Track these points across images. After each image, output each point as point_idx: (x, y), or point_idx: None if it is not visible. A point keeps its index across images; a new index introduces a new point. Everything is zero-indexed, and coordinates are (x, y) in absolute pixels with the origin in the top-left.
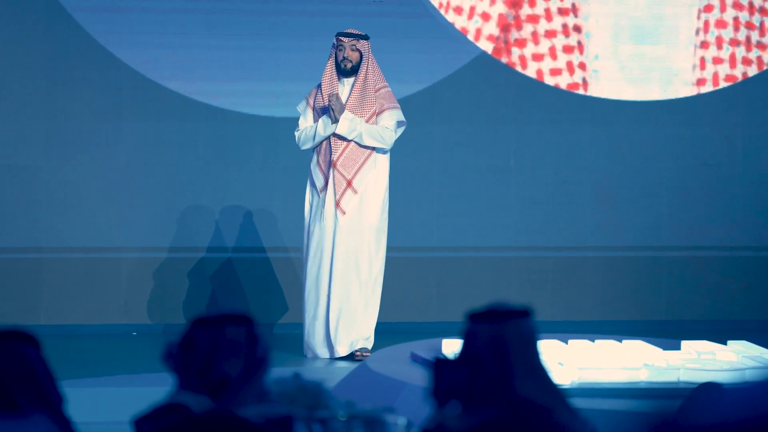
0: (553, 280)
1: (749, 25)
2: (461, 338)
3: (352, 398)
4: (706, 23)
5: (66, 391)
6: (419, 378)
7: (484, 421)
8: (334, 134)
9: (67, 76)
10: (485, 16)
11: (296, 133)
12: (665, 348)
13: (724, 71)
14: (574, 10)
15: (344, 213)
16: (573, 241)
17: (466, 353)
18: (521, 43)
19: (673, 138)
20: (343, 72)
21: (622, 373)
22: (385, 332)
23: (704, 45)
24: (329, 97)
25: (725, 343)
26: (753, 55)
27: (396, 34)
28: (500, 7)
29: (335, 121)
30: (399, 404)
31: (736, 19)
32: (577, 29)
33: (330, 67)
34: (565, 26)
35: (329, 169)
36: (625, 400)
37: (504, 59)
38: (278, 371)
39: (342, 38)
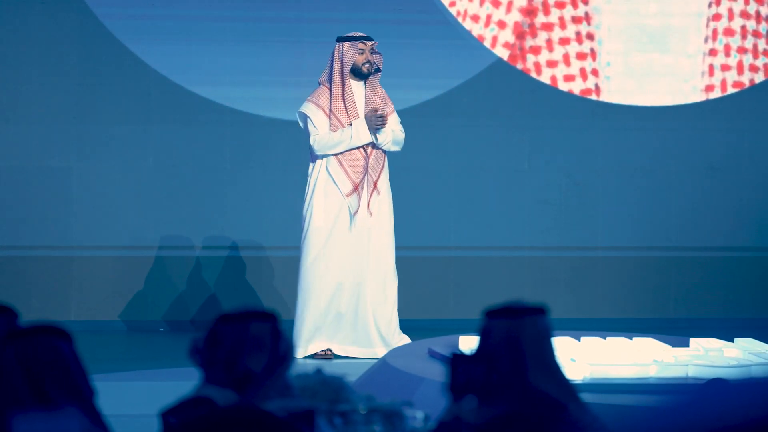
0: (566, 278)
1: (756, 34)
2: (478, 335)
3: (372, 393)
4: (715, 31)
5: (96, 385)
6: (437, 373)
7: (499, 415)
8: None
9: (98, 81)
10: (501, 24)
11: (314, 138)
12: (674, 345)
13: (732, 78)
14: (587, 18)
15: (371, 215)
16: (585, 241)
17: (483, 349)
18: (536, 50)
19: (682, 142)
20: (359, 74)
21: (632, 369)
22: (403, 329)
23: (713, 52)
24: (373, 113)
25: (732, 341)
26: (760, 62)
27: (415, 41)
28: (516, 16)
29: (372, 131)
30: (417, 398)
31: (743, 27)
32: (590, 37)
33: (339, 70)
34: (578, 34)
35: (364, 173)
36: (635, 395)
37: (519, 66)
38: (301, 366)
39: (366, 42)
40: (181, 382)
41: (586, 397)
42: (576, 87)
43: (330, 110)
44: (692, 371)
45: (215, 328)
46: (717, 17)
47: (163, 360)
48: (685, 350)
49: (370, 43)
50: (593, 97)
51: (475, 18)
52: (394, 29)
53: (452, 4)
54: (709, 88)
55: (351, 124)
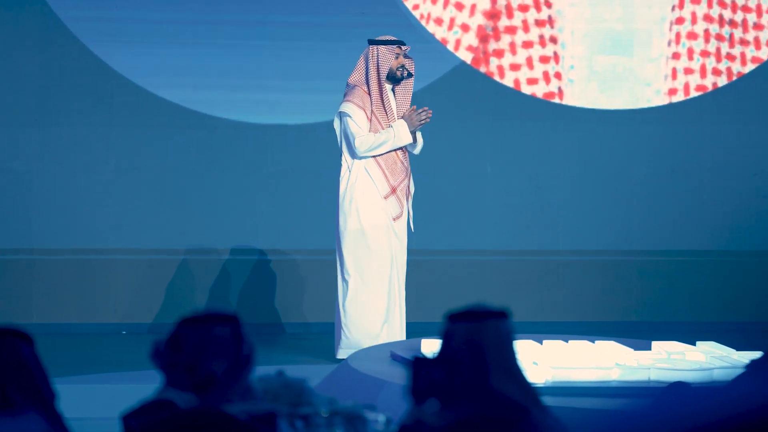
0: (529, 282)
1: (719, 37)
2: (440, 338)
3: (334, 396)
4: (678, 35)
5: (58, 388)
6: (399, 376)
7: (461, 419)
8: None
9: (60, 83)
10: (465, 28)
11: (359, 140)
12: (636, 348)
13: (695, 81)
14: (551, 21)
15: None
16: (547, 245)
17: (445, 353)
18: (499, 53)
19: (645, 145)
20: (394, 79)
21: (594, 373)
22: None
23: (676, 56)
24: (424, 113)
25: (694, 344)
26: (723, 65)
27: None
28: (479, 19)
29: (413, 132)
30: (379, 402)
31: (706, 31)
32: (554, 40)
33: (375, 73)
34: (541, 37)
35: (401, 177)
36: (597, 398)
37: (482, 69)
38: (262, 369)
39: (402, 46)
40: (143, 385)
41: (548, 400)
42: (539, 90)
43: (372, 112)
44: (654, 375)
45: (177, 331)
46: (680, 21)
47: (125, 363)
48: (648, 354)
49: (405, 47)
50: (556, 100)
51: (439, 21)
52: (358, 32)
53: (416, 7)
54: (672, 91)
55: (390, 126)
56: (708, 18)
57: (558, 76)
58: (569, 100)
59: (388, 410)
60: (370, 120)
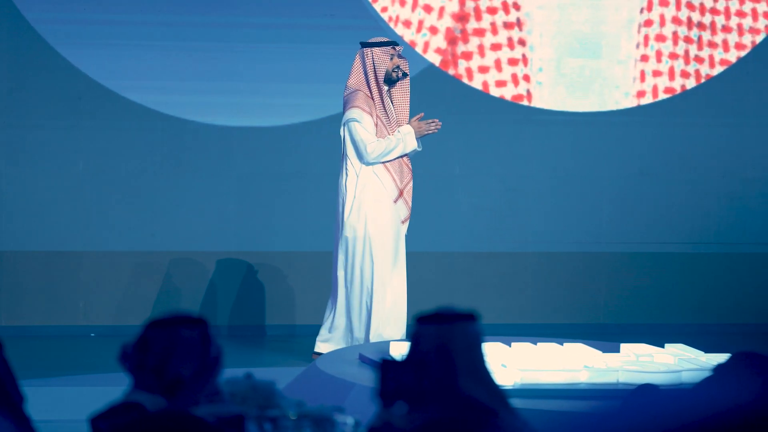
0: (498, 283)
1: (687, 40)
2: (408, 340)
3: (303, 398)
4: (646, 37)
5: (26, 391)
6: (367, 379)
7: (429, 421)
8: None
9: (28, 85)
10: (433, 30)
11: (371, 146)
12: (605, 350)
13: (663, 84)
14: (519, 24)
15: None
16: (517, 247)
17: (413, 355)
18: (468, 55)
19: (614, 148)
20: (390, 81)
21: (562, 375)
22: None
23: (644, 58)
24: (434, 124)
25: (663, 346)
26: (691, 68)
27: (347, 47)
28: (447, 21)
29: (418, 139)
30: (348, 404)
31: (674, 33)
32: (522, 43)
33: (373, 76)
34: (510, 40)
35: (407, 180)
36: (566, 401)
37: (451, 71)
38: (230, 372)
39: (396, 47)
40: (111, 387)
41: (517, 402)
42: (507, 93)
43: (377, 116)
44: (623, 377)
45: (145, 334)
46: (648, 23)
47: (93, 365)
48: (616, 356)
49: (398, 48)
50: (525, 102)
51: (407, 23)
52: (326, 35)
53: (384, 9)
54: (641, 93)
55: (396, 131)
56: (676, 20)
57: (526, 78)
58: (538, 103)
59: (357, 413)
60: (376, 125)
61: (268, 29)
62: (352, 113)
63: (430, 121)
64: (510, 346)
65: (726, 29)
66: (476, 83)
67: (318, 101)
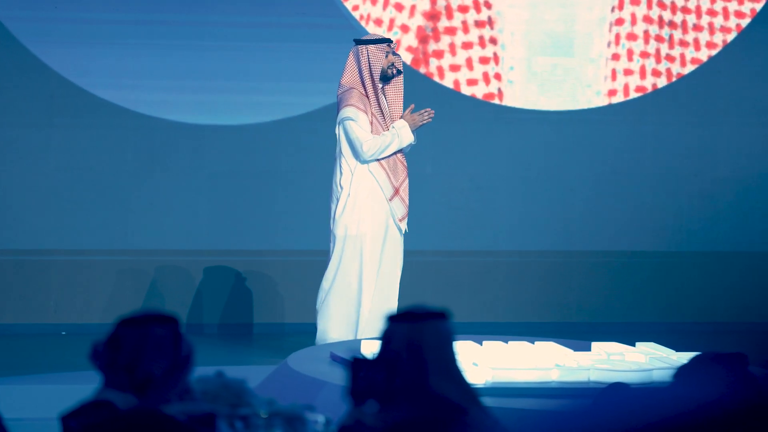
0: (468, 282)
1: (659, 38)
2: (380, 339)
3: (274, 397)
4: (618, 36)
5: None
6: (338, 377)
7: (400, 420)
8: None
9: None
10: (404, 28)
11: (367, 144)
12: (576, 349)
13: (635, 82)
14: (490, 22)
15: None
16: (488, 245)
17: (384, 353)
18: (439, 54)
19: (585, 147)
20: (385, 78)
21: (534, 374)
22: (300, 332)
23: (615, 57)
24: (426, 113)
25: (634, 345)
26: (662, 67)
27: (319, 45)
28: (419, 20)
29: (414, 132)
30: (319, 403)
31: (646, 32)
32: (493, 41)
33: (368, 73)
34: (481, 38)
35: (403, 177)
36: (537, 399)
37: (422, 70)
38: (201, 370)
39: (391, 44)
40: (82, 385)
41: (488, 401)
42: (479, 91)
43: (371, 113)
44: (594, 375)
45: (116, 332)
46: (620, 22)
47: (64, 363)
48: (587, 354)
49: (392, 44)
50: (496, 101)
51: (378, 22)
52: (297, 33)
53: (355, 8)
54: (612, 92)
55: (391, 127)
56: (648, 19)
57: (498, 77)
58: (509, 101)
59: (328, 411)
60: (371, 122)
61: (240, 28)
62: (346, 111)
63: (423, 111)
64: (481, 344)
65: (697, 28)
66: (447, 82)
67: (290, 99)
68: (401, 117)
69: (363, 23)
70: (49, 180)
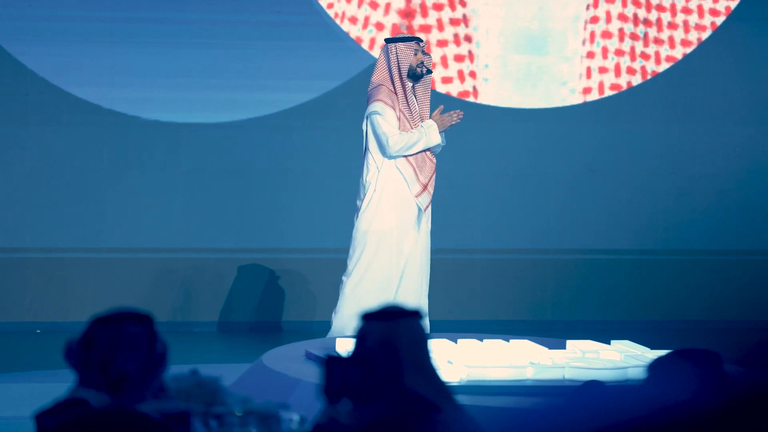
0: (444, 281)
1: (633, 36)
2: (354, 337)
3: (248, 395)
4: (592, 34)
5: None
6: (313, 375)
7: (375, 418)
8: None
9: None
10: (379, 26)
11: (393, 139)
12: (551, 347)
13: (610, 80)
14: (465, 20)
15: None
16: (463, 244)
17: (359, 352)
18: None
19: (560, 145)
20: (414, 76)
21: (508, 371)
22: (276, 331)
23: (590, 55)
24: (456, 115)
25: (609, 343)
26: (637, 65)
27: (293, 43)
28: (394, 18)
29: (442, 133)
30: (293, 401)
31: (620, 30)
32: (468, 39)
33: (397, 71)
34: (456, 36)
35: (431, 174)
36: (512, 397)
37: None
38: (176, 368)
39: (421, 43)
40: (56, 383)
41: (463, 399)
42: (454, 89)
43: (400, 110)
44: (569, 373)
45: (90, 330)
46: (595, 20)
47: (39, 362)
48: (562, 352)
49: (422, 43)
50: (471, 99)
51: (353, 20)
52: (272, 31)
53: (330, 5)
54: (587, 90)
55: (420, 126)
56: (622, 17)
57: (473, 74)
58: (484, 99)
59: (303, 409)
60: (399, 119)
61: (215, 26)
62: (374, 107)
63: (452, 112)
64: (456, 342)
65: (672, 26)
66: None
67: (264, 97)
68: (430, 117)
69: (338, 21)
70: (24, 178)
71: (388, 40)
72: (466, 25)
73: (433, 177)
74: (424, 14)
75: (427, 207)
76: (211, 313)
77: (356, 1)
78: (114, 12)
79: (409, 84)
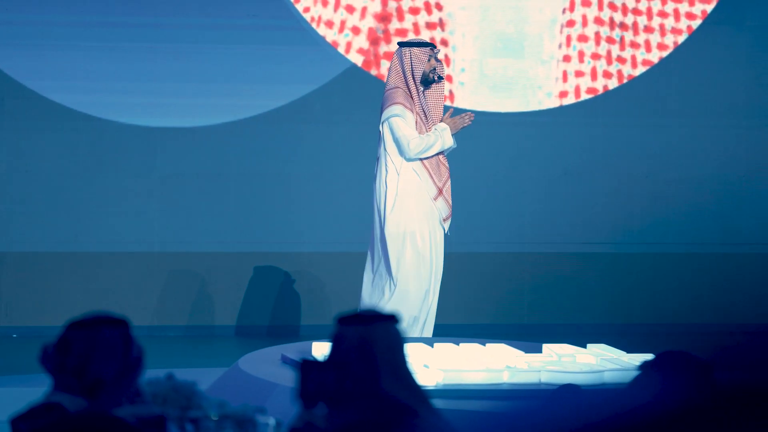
0: None
1: (610, 40)
2: (330, 341)
3: (225, 399)
4: (569, 38)
5: None
6: (289, 379)
7: (351, 422)
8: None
9: None
10: (355, 30)
11: (414, 141)
12: (527, 351)
13: (586, 84)
14: (441, 24)
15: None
16: None
17: (335, 356)
18: (390, 56)
19: (537, 148)
20: (426, 82)
21: (484, 375)
22: (254, 335)
23: (566, 59)
24: (467, 117)
25: (585, 346)
26: (613, 68)
27: (270, 47)
28: (370, 22)
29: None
30: (269, 405)
31: (597, 33)
32: (444, 43)
33: (411, 75)
34: (432, 40)
35: (445, 178)
36: (488, 401)
37: (374, 72)
38: (151, 372)
39: (435, 49)
40: (32, 388)
41: (439, 403)
42: None
43: (416, 113)
44: (545, 377)
45: (65, 334)
46: (571, 23)
47: (15, 366)
48: (538, 356)
49: (435, 50)
50: (447, 103)
51: (329, 24)
52: (249, 35)
53: (306, 9)
54: (563, 94)
55: (434, 128)
56: (599, 21)
57: (449, 78)
58: (460, 103)
59: (279, 413)
60: (416, 121)
61: (191, 29)
62: (393, 110)
63: (463, 115)
64: (432, 346)
65: (648, 29)
66: None
67: (240, 101)
68: (441, 120)
69: (314, 25)
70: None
71: (401, 44)
72: (443, 29)
73: (448, 182)
74: (401, 18)
75: (448, 218)
76: (185, 317)
77: (332, 5)
78: (90, 16)
79: (422, 89)
